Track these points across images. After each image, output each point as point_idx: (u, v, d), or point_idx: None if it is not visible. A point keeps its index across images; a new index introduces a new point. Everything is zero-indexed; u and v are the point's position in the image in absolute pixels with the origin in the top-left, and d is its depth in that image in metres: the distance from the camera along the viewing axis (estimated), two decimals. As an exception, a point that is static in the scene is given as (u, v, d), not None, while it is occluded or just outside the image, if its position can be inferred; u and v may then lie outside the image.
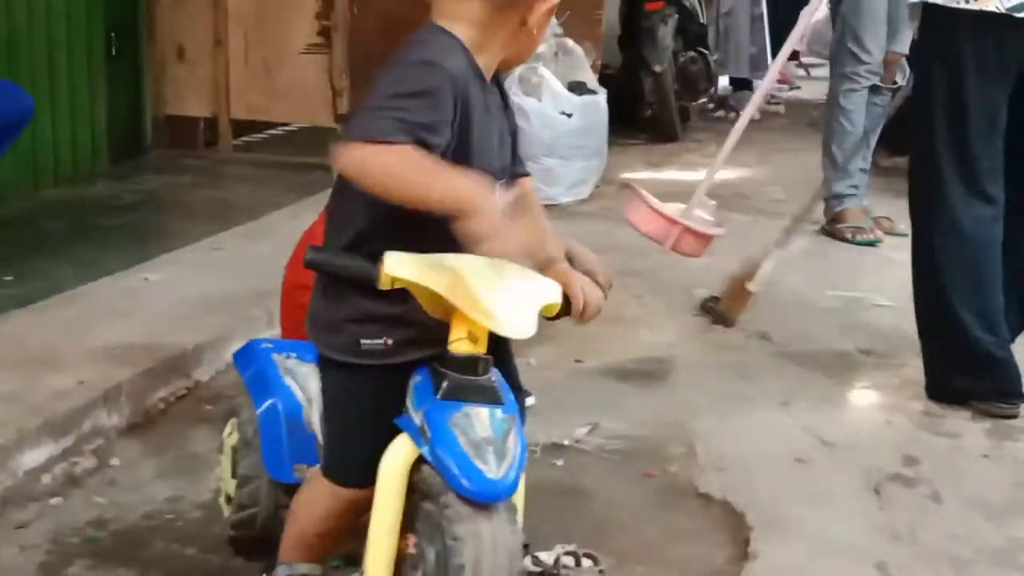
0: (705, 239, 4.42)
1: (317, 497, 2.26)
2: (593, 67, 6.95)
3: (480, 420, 2.02)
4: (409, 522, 2.11)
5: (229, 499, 2.65)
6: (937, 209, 3.82)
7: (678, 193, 6.89)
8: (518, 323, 2.04)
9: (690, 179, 7.36)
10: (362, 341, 2.15)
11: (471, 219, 1.95)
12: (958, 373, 3.86)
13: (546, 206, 6.42)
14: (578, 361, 4.12)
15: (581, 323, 2.39)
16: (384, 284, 2.03)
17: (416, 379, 2.12)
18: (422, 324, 2.12)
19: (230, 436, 2.69)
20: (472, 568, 1.94)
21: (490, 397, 2.07)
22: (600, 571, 2.59)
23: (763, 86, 5.13)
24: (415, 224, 2.04)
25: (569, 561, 2.65)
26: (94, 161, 6.64)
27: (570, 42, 6.80)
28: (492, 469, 1.97)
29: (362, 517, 2.17)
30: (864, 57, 5.87)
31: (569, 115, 6.55)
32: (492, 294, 2.01)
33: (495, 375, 2.12)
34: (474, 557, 1.95)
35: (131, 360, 3.66)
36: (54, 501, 3.07)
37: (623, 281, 4.95)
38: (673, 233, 4.31)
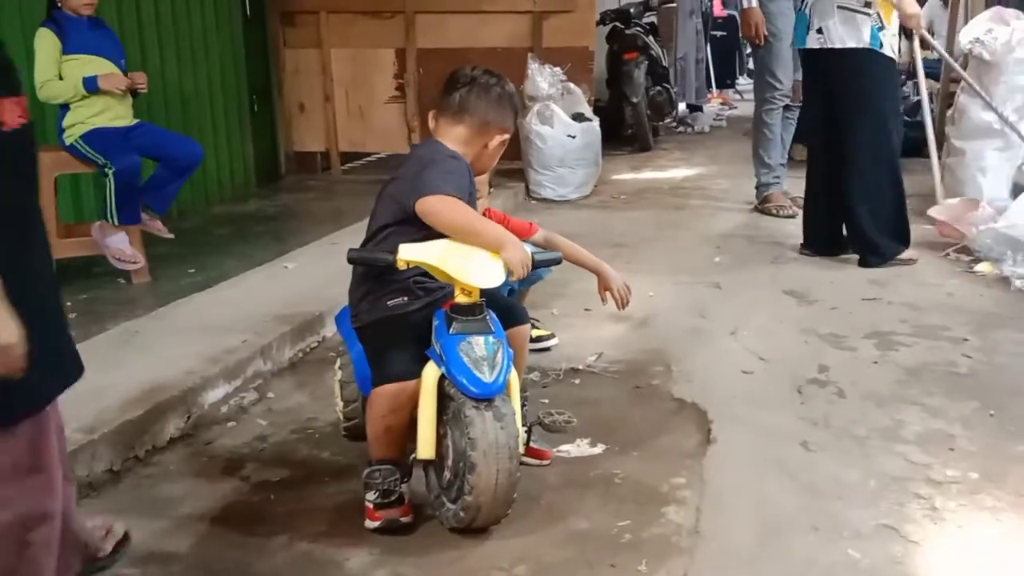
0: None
1: (377, 404, 2.39)
2: (589, 102, 6.89)
3: (478, 345, 2.27)
4: (441, 417, 2.35)
5: (342, 412, 2.81)
6: None
7: (654, 187, 6.89)
8: (485, 279, 2.33)
9: (661, 176, 7.34)
10: (388, 303, 2.45)
11: (506, 249, 2.34)
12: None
13: (560, 201, 6.47)
14: (587, 309, 4.10)
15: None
16: (400, 266, 2.33)
17: (436, 322, 2.37)
18: (422, 288, 2.45)
19: (339, 372, 2.81)
20: (480, 438, 2.21)
21: (484, 329, 2.32)
22: (567, 420, 2.72)
23: None
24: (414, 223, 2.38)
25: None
26: (246, 185, 6.65)
27: (572, 85, 6.73)
28: (486, 376, 2.23)
29: (409, 413, 2.37)
30: (778, 86, 5.78)
31: (573, 136, 6.48)
32: (466, 265, 2.32)
33: (489, 314, 2.37)
34: (481, 431, 2.22)
35: (278, 323, 3.68)
36: (230, 424, 3.11)
37: (616, 251, 4.96)
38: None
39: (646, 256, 4.98)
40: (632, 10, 8.72)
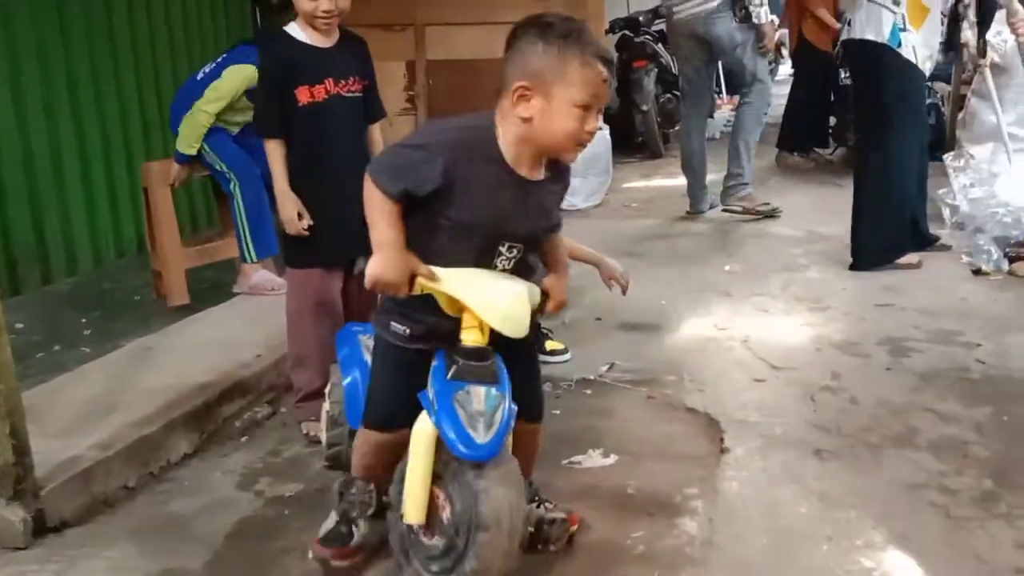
0: None
1: (360, 442, 2.20)
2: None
3: (478, 396, 1.94)
4: (439, 477, 2.02)
5: (325, 435, 2.49)
6: None
7: (665, 194, 6.87)
8: (515, 327, 1.98)
9: (672, 184, 7.31)
10: (391, 324, 2.09)
11: (375, 253, 1.94)
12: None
13: (569, 211, 6.47)
14: (598, 319, 4.11)
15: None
16: (416, 290, 1.97)
17: (435, 363, 2.03)
18: (434, 325, 2.05)
19: (328, 395, 2.51)
20: (490, 513, 1.91)
21: (488, 379, 1.97)
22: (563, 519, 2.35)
23: None
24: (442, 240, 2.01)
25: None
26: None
27: (582, 94, 6.75)
28: (480, 435, 1.91)
29: (395, 459, 2.12)
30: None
31: (584, 146, 6.49)
32: (495, 302, 1.97)
33: (496, 361, 2.02)
34: (493, 507, 1.91)
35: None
36: (244, 439, 3.13)
37: (626, 259, 4.93)
38: None
39: (657, 264, 4.97)
40: (641, 18, 8.72)
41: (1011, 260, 4.54)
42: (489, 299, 1.97)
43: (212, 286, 4.46)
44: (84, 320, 4.11)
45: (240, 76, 4.09)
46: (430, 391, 2.00)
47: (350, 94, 2.94)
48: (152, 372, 3.36)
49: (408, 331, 2.08)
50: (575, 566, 2.30)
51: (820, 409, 3.13)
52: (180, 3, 5.77)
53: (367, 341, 2.35)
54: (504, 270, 2.07)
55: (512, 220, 2.03)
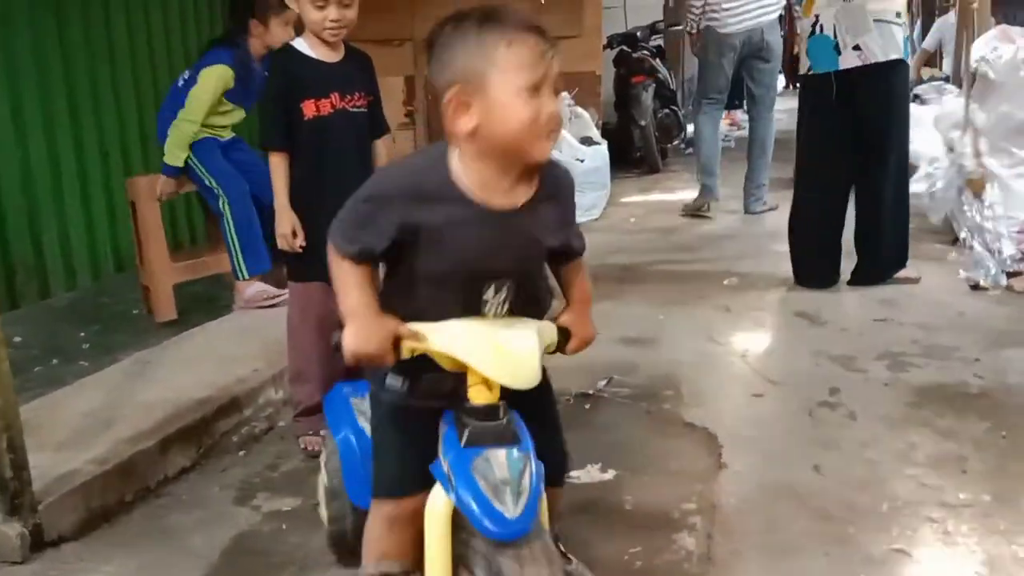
0: None
1: (371, 519, 1.89)
2: (597, 125, 6.94)
3: (499, 462, 1.65)
4: (462, 558, 1.72)
5: (325, 513, 2.29)
6: None
7: (663, 209, 6.89)
8: (524, 377, 1.68)
9: (671, 198, 7.33)
10: (387, 380, 1.79)
11: (347, 324, 1.70)
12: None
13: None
14: (596, 333, 4.10)
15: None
16: (405, 354, 1.70)
17: (444, 428, 1.75)
18: (436, 381, 1.77)
19: (323, 467, 2.30)
20: None
21: (507, 439, 1.69)
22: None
23: None
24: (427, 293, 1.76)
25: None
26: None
27: (579, 109, 6.78)
28: (510, 509, 1.61)
29: (411, 542, 1.82)
30: None
31: (582, 160, 6.52)
32: (494, 353, 1.68)
33: (512, 417, 1.73)
34: None
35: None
36: (241, 453, 3.12)
37: (625, 273, 4.97)
38: None
39: (655, 278, 4.98)
40: (639, 33, 8.78)
41: (1009, 275, 4.55)
42: (487, 351, 1.68)
43: (202, 301, 4.45)
44: (82, 334, 4.11)
45: (215, 77, 4.12)
46: (444, 463, 1.70)
47: (355, 109, 2.92)
48: (150, 386, 3.36)
49: (406, 385, 1.79)
50: (573, 582, 2.29)
51: (818, 424, 3.13)
52: (178, 17, 5.79)
53: (360, 404, 2.16)
54: (500, 312, 1.78)
55: (490, 259, 1.74)
